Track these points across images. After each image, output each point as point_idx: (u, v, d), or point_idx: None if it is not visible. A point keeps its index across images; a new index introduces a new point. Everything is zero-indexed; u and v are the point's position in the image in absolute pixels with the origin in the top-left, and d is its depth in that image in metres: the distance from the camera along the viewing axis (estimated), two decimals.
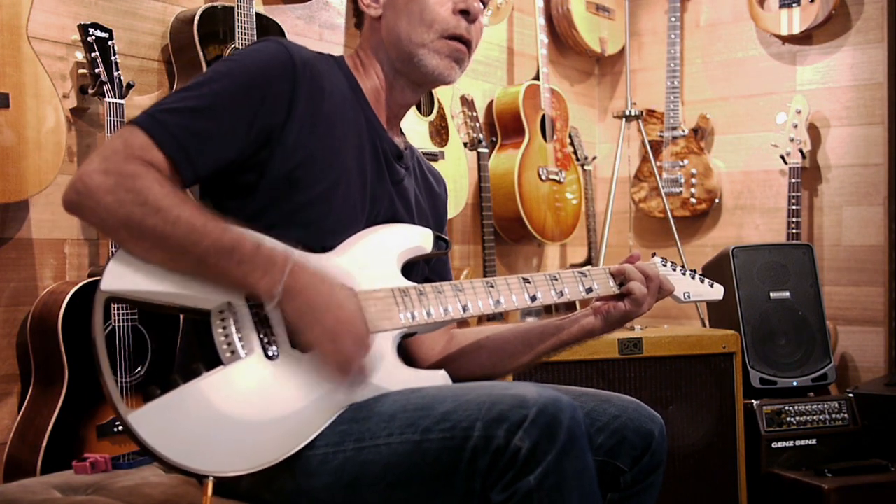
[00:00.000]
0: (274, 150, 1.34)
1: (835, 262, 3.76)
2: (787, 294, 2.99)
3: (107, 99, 2.16)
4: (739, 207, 4.04)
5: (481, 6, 1.50)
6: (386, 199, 1.48)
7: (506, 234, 3.61)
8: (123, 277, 1.19)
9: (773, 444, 2.76)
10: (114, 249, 2.06)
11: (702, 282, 1.66)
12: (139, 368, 2.14)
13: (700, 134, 4.01)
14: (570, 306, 2.31)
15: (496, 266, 3.36)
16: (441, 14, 1.45)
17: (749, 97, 4.01)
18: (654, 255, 1.66)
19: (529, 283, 1.46)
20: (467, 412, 1.18)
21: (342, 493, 1.24)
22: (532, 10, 3.76)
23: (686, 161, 3.99)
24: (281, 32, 2.57)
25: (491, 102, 3.66)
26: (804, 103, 3.51)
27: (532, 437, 1.13)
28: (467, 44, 1.48)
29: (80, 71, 2.24)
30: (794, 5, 3.74)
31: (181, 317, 1.44)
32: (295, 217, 1.35)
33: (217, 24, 2.40)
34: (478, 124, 3.34)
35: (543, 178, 3.57)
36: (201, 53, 2.35)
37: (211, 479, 1.15)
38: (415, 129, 3.05)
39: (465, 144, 3.31)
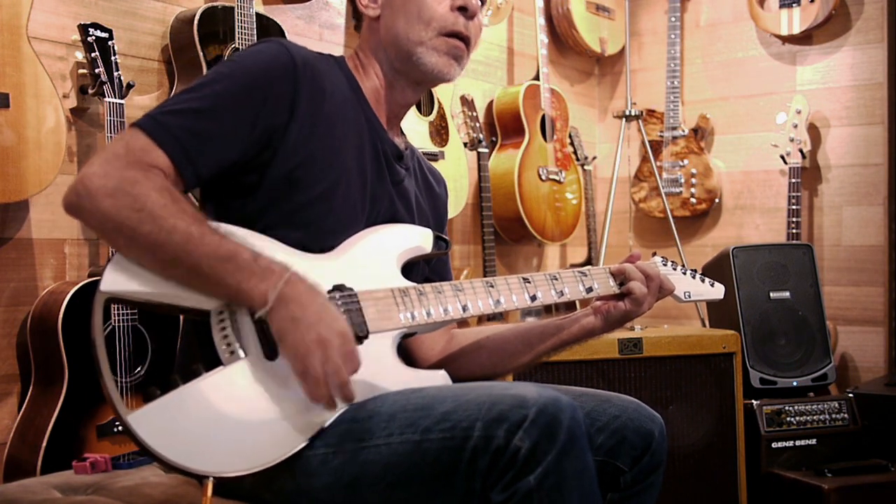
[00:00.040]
0: (276, 150, 1.34)
1: (835, 262, 3.76)
2: (787, 294, 2.99)
3: (107, 99, 2.16)
4: (739, 207, 4.04)
5: (479, 3, 1.50)
6: (386, 199, 1.48)
7: (506, 234, 3.61)
8: (123, 278, 1.20)
9: (773, 444, 2.76)
10: (114, 250, 2.06)
11: (702, 281, 1.66)
12: (139, 368, 2.14)
13: (700, 134, 4.01)
14: (570, 306, 2.31)
15: (496, 266, 3.35)
16: (439, 11, 1.45)
17: (749, 97, 4.01)
18: (654, 254, 1.65)
19: (529, 282, 1.46)
20: (467, 412, 1.18)
21: (342, 493, 1.24)
22: (532, 10, 3.76)
23: (686, 161, 3.99)
24: (281, 32, 2.57)
25: (491, 102, 3.66)
26: (804, 103, 3.51)
27: (532, 437, 1.13)
28: (466, 41, 1.48)
29: (80, 71, 2.24)
30: (794, 5, 3.74)
31: (181, 317, 1.44)
32: (295, 217, 1.35)
33: (217, 24, 2.40)
34: (478, 124, 3.34)
35: (543, 178, 3.57)
36: (201, 53, 2.35)
37: (211, 479, 1.15)
38: (415, 129, 3.05)
39: (465, 144, 3.31)
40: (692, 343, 2.55)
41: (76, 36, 2.19)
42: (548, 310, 2.87)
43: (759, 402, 2.79)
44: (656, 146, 4.00)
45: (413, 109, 3.06)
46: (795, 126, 3.50)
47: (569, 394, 1.31)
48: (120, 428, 1.88)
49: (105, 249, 2.33)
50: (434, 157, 3.10)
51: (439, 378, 1.39)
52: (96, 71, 2.15)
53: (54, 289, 2.12)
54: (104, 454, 1.53)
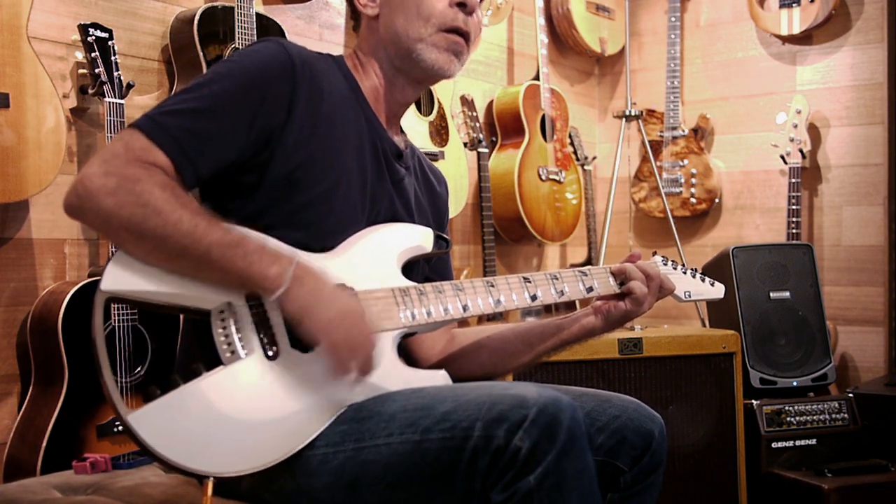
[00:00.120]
0: (274, 150, 1.34)
1: (835, 262, 3.76)
2: (787, 294, 2.99)
3: (107, 99, 2.15)
4: (739, 207, 4.04)
5: None
6: (386, 198, 1.48)
7: (506, 234, 3.61)
8: (123, 277, 1.20)
9: (773, 444, 2.76)
10: (114, 249, 2.05)
11: (702, 280, 1.66)
12: (139, 368, 2.14)
13: (700, 134, 4.01)
14: (570, 306, 2.31)
15: (496, 266, 3.36)
16: (438, 8, 1.45)
17: (749, 97, 4.01)
18: (654, 253, 1.65)
19: (530, 282, 1.46)
20: (467, 412, 1.18)
21: (342, 493, 1.24)
22: (532, 10, 3.76)
23: (686, 161, 3.99)
24: (281, 32, 2.57)
25: (491, 102, 3.66)
26: (804, 103, 3.51)
27: (532, 437, 1.13)
28: (465, 36, 1.48)
29: (80, 71, 2.24)
30: (794, 5, 3.74)
31: (181, 317, 1.44)
32: (295, 217, 1.35)
33: (217, 24, 2.40)
34: (478, 124, 3.34)
35: (543, 178, 3.57)
36: (201, 53, 2.35)
37: (211, 479, 1.15)
38: (415, 129, 3.05)
39: (465, 144, 3.31)
40: (692, 343, 2.55)
41: (76, 36, 2.19)
42: (548, 309, 2.87)
43: (759, 402, 2.78)
44: (656, 146, 4.00)
45: (413, 109, 3.06)
46: (795, 126, 3.50)
47: (569, 394, 1.31)
48: (120, 428, 1.87)
49: (105, 249, 2.33)
50: (434, 157, 3.10)
51: (439, 378, 1.39)
52: (96, 71, 2.15)
53: (54, 289, 2.12)
54: (104, 454, 1.53)
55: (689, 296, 1.64)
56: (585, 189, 3.92)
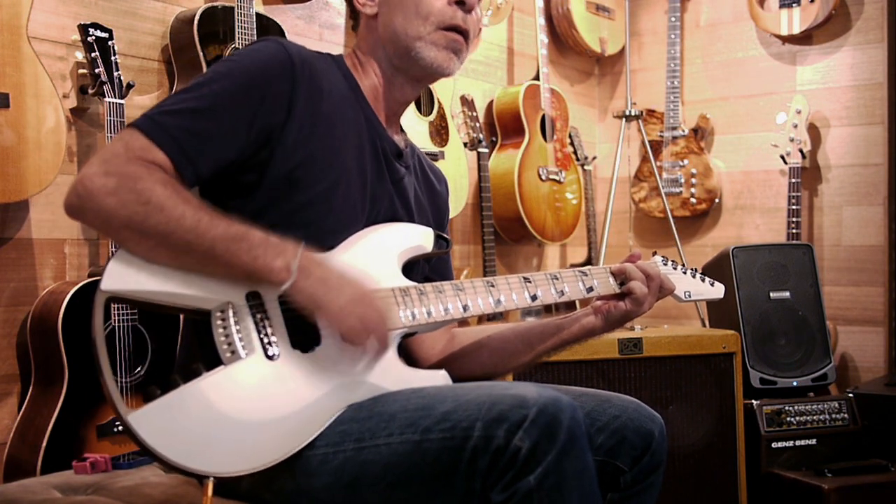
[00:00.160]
0: (274, 150, 1.34)
1: (835, 262, 3.76)
2: (787, 294, 2.99)
3: (107, 99, 2.15)
4: (739, 207, 4.04)
5: None
6: (386, 198, 1.48)
7: (506, 234, 3.61)
8: (123, 277, 1.20)
9: (773, 444, 2.76)
10: (114, 249, 2.06)
11: (702, 280, 1.66)
12: (139, 368, 2.14)
13: (700, 134, 4.01)
14: (570, 306, 2.31)
15: (496, 266, 3.35)
16: (436, 6, 1.44)
17: (749, 97, 4.01)
18: (654, 253, 1.65)
19: (530, 282, 1.46)
20: (467, 412, 1.18)
21: (342, 493, 1.24)
22: (532, 10, 3.76)
23: (686, 161, 3.99)
24: (281, 32, 2.57)
25: (491, 102, 3.66)
26: (804, 103, 3.51)
27: (532, 437, 1.13)
28: (464, 34, 1.48)
29: (80, 71, 2.24)
30: (794, 5, 3.74)
31: (181, 317, 1.44)
32: (295, 217, 1.35)
33: (217, 24, 2.40)
34: (478, 124, 3.34)
35: (543, 178, 3.57)
36: (201, 53, 2.35)
37: (211, 479, 1.15)
38: (415, 129, 3.05)
39: (465, 144, 3.31)
40: (692, 343, 2.55)
41: (76, 36, 2.19)
42: (548, 309, 2.87)
43: (759, 402, 2.78)
44: (656, 146, 4.00)
45: (413, 109, 3.06)
46: (795, 126, 3.50)
47: (569, 394, 1.31)
48: (120, 428, 1.88)
49: (105, 249, 2.33)
50: (434, 157, 3.10)
51: (439, 378, 1.39)
52: (96, 71, 2.15)
53: (54, 289, 2.12)
54: (104, 454, 1.53)
55: (689, 296, 1.64)
56: (585, 189, 3.92)
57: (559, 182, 3.66)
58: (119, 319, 2.10)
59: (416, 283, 1.39)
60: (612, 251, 3.92)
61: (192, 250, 1.20)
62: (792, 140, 3.49)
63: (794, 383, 2.89)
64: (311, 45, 1.49)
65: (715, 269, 2.98)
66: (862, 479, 2.64)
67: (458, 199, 3.22)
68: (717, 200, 4.00)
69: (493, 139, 3.62)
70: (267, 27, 2.51)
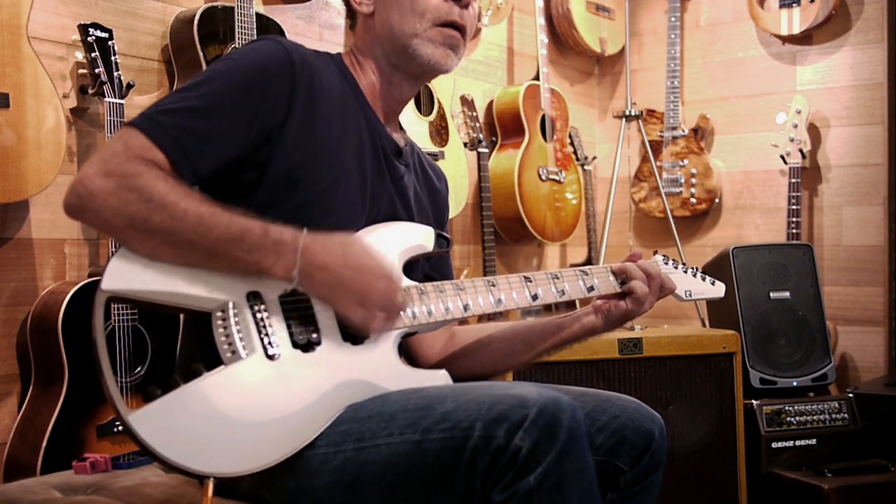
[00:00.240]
0: (273, 149, 1.34)
1: (835, 262, 3.76)
2: (787, 294, 2.99)
3: (107, 99, 2.15)
4: (739, 207, 4.04)
5: None
6: (386, 197, 1.48)
7: (506, 234, 3.61)
8: (124, 277, 1.19)
9: (773, 444, 2.76)
10: (114, 249, 2.06)
11: (703, 279, 1.66)
12: (139, 368, 2.14)
13: (700, 134, 4.01)
14: (570, 305, 2.31)
15: (496, 266, 3.35)
16: (432, 2, 1.44)
17: (749, 97, 4.01)
18: (655, 252, 1.65)
19: (531, 281, 1.46)
20: (467, 412, 1.18)
21: (342, 493, 1.24)
22: (532, 10, 3.76)
23: (686, 161, 3.99)
24: (281, 32, 2.57)
25: (491, 102, 3.66)
26: (804, 103, 3.51)
27: (532, 437, 1.13)
28: (461, 30, 1.47)
29: (80, 71, 2.24)
30: (794, 5, 3.74)
31: (181, 317, 1.44)
32: (295, 216, 1.35)
33: (217, 24, 2.40)
34: (478, 124, 3.34)
35: (543, 178, 3.57)
36: (201, 53, 2.35)
37: (211, 479, 1.15)
38: (415, 129, 3.05)
39: (465, 144, 3.31)
40: (692, 343, 2.55)
41: (76, 36, 2.19)
42: (548, 308, 2.87)
43: (759, 402, 2.78)
44: (656, 146, 4.00)
45: (413, 109, 3.06)
46: (795, 126, 3.50)
47: (569, 394, 1.31)
48: (120, 428, 1.88)
49: (105, 249, 2.33)
50: (434, 157, 3.10)
51: (440, 378, 1.39)
52: (96, 71, 2.15)
53: (54, 289, 2.12)
54: (104, 454, 1.53)
55: (690, 295, 1.63)
56: (585, 189, 3.92)
57: (559, 182, 3.66)
58: (119, 319, 2.10)
59: (416, 283, 1.39)
60: (612, 251, 3.92)
61: (196, 248, 1.20)
62: (792, 140, 3.49)
63: (794, 383, 2.89)
64: (311, 45, 1.49)
65: (715, 269, 2.97)
66: (862, 479, 2.64)
67: (458, 199, 3.22)
68: (717, 200, 4.00)
69: (493, 139, 3.62)
70: (267, 27, 2.51)
